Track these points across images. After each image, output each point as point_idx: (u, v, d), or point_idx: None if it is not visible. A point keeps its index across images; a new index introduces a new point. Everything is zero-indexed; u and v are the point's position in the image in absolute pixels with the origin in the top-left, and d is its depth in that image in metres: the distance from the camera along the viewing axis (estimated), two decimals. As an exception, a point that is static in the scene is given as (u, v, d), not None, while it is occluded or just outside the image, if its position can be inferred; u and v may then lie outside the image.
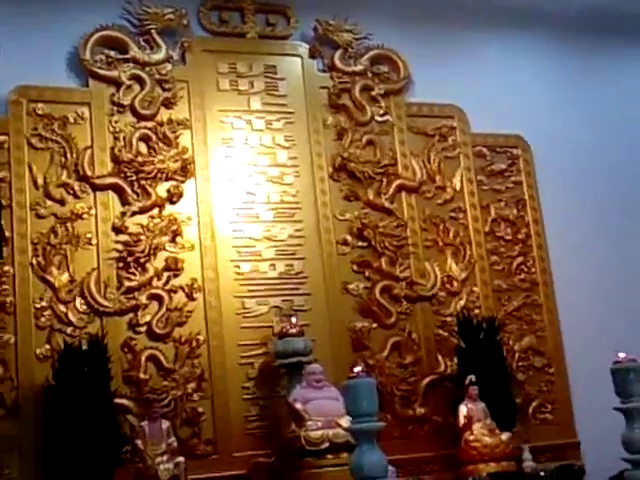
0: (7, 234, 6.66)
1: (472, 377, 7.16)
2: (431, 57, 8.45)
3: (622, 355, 5.89)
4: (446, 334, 7.81)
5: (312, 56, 8.16)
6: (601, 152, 8.96)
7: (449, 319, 7.85)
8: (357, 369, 5.34)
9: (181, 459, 6.39)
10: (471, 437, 7.01)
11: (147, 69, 7.54)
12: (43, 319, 6.79)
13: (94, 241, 7.07)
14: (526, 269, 8.34)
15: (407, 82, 8.39)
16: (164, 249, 7.19)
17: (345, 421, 5.82)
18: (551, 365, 8.14)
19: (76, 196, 7.11)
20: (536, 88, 8.90)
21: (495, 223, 8.35)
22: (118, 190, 7.21)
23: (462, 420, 7.08)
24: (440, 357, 7.75)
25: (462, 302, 7.96)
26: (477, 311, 7.92)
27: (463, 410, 7.11)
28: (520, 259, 8.35)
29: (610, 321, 8.28)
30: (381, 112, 8.22)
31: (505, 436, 7.03)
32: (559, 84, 9.05)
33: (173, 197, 7.32)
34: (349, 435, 5.87)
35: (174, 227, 7.24)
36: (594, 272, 8.52)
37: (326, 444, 6.40)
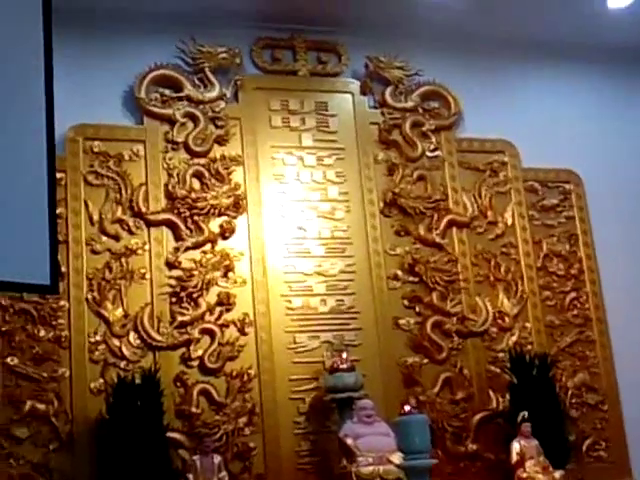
0: (63, 269, 6.81)
1: (525, 414, 7.10)
2: (481, 92, 8.47)
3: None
4: (498, 370, 7.75)
5: (363, 93, 8.22)
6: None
7: (501, 355, 7.80)
8: (408, 406, 5.35)
9: (232, 493, 6.43)
10: (524, 475, 6.93)
11: (201, 107, 7.67)
12: (97, 353, 6.89)
13: (148, 276, 7.17)
14: (579, 305, 8.27)
15: (458, 117, 8.42)
16: (216, 284, 7.26)
17: (397, 457, 5.82)
18: (605, 402, 8.04)
19: (130, 232, 7.24)
20: (587, 121, 8.86)
21: (547, 258, 8.30)
22: (171, 226, 7.32)
23: (515, 457, 7.01)
24: (492, 393, 7.69)
25: (514, 338, 7.91)
26: (529, 347, 7.85)
27: (516, 447, 7.04)
28: (573, 295, 8.28)
29: (665, 358, 8.17)
30: (432, 147, 8.25)
31: (559, 474, 6.95)
32: (610, 117, 9.00)
33: (225, 232, 7.40)
34: (400, 471, 5.86)
35: (226, 262, 7.31)
36: (649, 307, 8.42)
37: (377, 480, 6.39)
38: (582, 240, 8.46)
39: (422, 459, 5.07)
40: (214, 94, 7.75)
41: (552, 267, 8.29)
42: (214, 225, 7.40)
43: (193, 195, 7.40)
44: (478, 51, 8.52)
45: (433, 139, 8.28)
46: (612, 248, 8.45)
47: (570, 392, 7.94)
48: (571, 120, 8.78)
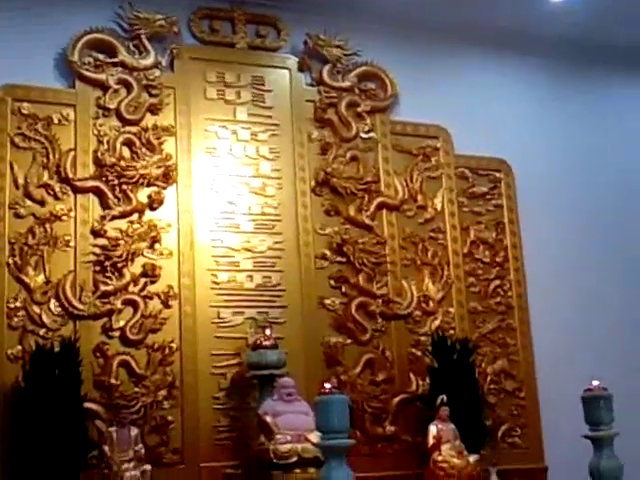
0: (-16, 232, 6.67)
1: (443, 397, 7.17)
2: (419, 77, 8.49)
3: (594, 383, 5.95)
4: (420, 353, 7.82)
5: (300, 69, 8.17)
6: (584, 179, 9.03)
7: (423, 338, 7.87)
8: (328, 385, 5.35)
9: (148, 467, 6.38)
10: (439, 458, 7.00)
11: (135, 74, 7.53)
12: (16, 319, 6.75)
13: (72, 243, 7.04)
14: (502, 292, 8.37)
15: (394, 100, 8.42)
16: (142, 255, 7.17)
17: (315, 436, 5.81)
18: (522, 389, 8.16)
19: (56, 197, 7.09)
20: (521, 113, 8.95)
21: (474, 245, 8.38)
22: (99, 193, 7.19)
23: (431, 440, 7.07)
24: (413, 376, 7.76)
25: (437, 322, 7.99)
26: (452, 332, 7.93)
27: (433, 430, 7.10)
28: (497, 282, 8.38)
29: (583, 348, 8.34)
30: (366, 129, 8.24)
31: (473, 458, 7.02)
32: (544, 109, 9.11)
33: (154, 203, 7.31)
34: (318, 450, 5.87)
35: (153, 233, 7.22)
36: (570, 298, 8.56)
37: (294, 458, 6.39)
38: (509, 229, 8.55)
39: (340, 439, 5.07)
40: (149, 62, 7.61)
41: (478, 254, 8.38)
42: (142, 195, 7.29)
43: (122, 163, 7.27)
44: (418, 36, 8.53)
45: (368, 120, 8.27)
46: (538, 238, 8.57)
47: (489, 378, 8.05)
48: (505, 110, 8.86)
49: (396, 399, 7.66)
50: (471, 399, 7.42)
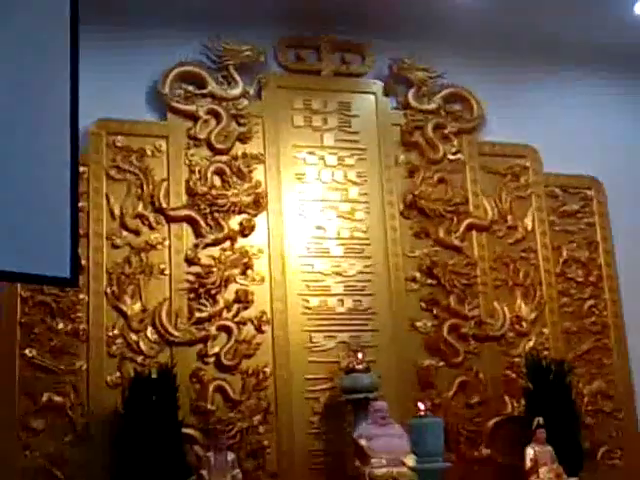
0: (83, 263, 6.87)
1: (540, 420, 7.08)
2: (504, 96, 8.44)
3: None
4: (514, 375, 7.74)
5: (386, 94, 8.22)
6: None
7: (517, 360, 7.79)
8: (423, 407, 5.34)
9: (245, 491, 6.46)
10: (537, 481, 6.93)
11: (224, 104, 7.69)
12: (115, 347, 6.93)
13: (167, 271, 7.20)
14: (597, 312, 8.24)
15: (480, 121, 8.40)
16: (235, 281, 7.29)
17: (410, 459, 5.79)
18: (621, 410, 8.01)
19: (151, 227, 7.27)
20: (610, 129, 8.82)
21: (566, 264, 8.28)
22: (192, 222, 7.34)
23: (528, 463, 7.00)
24: (507, 398, 7.68)
25: (531, 343, 7.90)
26: (546, 353, 7.83)
27: (530, 453, 7.02)
28: (591, 301, 8.26)
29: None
30: (453, 150, 8.23)
31: (572, 481, 6.93)
32: (635, 125, 8.96)
33: (245, 230, 7.42)
34: (414, 474, 5.84)
35: (245, 260, 7.33)
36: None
37: (390, 481, 6.40)
38: (602, 247, 8.43)
39: (435, 462, 5.06)
40: (237, 92, 7.76)
41: (571, 273, 8.27)
42: (234, 222, 7.42)
43: (214, 192, 7.42)
44: (502, 55, 8.47)
45: (455, 142, 8.26)
46: (632, 256, 8.42)
47: (586, 399, 7.92)
48: (594, 126, 8.73)
49: (491, 421, 7.60)
50: (568, 421, 7.31)
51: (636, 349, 8.16)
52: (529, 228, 8.23)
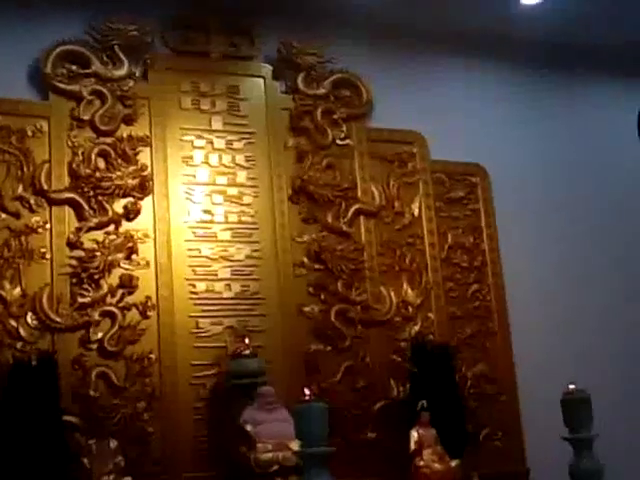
0: (-41, 245, 6.62)
1: (424, 403, 7.16)
2: (394, 83, 8.48)
3: (572, 386, 5.97)
4: (400, 359, 7.81)
5: (275, 78, 8.17)
6: (561, 184, 9.04)
7: (403, 344, 7.86)
8: (308, 392, 5.34)
9: (128, 479, 6.35)
10: (421, 463, 7.00)
11: (109, 85, 7.49)
12: (-7, 333, 6.72)
13: (48, 256, 6.99)
14: (481, 297, 8.39)
15: (369, 107, 8.42)
16: (119, 266, 7.13)
17: (295, 444, 5.79)
18: (503, 393, 8.16)
19: (31, 210, 7.04)
20: (497, 117, 8.98)
21: (452, 250, 8.39)
22: (74, 205, 7.15)
23: (413, 446, 7.07)
24: (393, 382, 7.75)
25: (417, 327, 7.98)
26: (431, 337, 7.93)
27: (414, 436, 7.10)
28: (475, 286, 8.39)
29: (563, 351, 8.34)
30: (342, 136, 8.24)
31: (454, 463, 7.03)
32: (521, 115, 9.12)
33: (130, 214, 7.27)
34: (299, 458, 5.85)
35: (130, 244, 7.18)
36: (549, 301, 8.58)
37: (276, 467, 6.39)
38: (486, 233, 8.57)
39: (320, 446, 5.07)
40: (123, 72, 7.57)
41: (456, 259, 8.39)
42: (118, 206, 7.26)
43: (98, 174, 7.24)
44: (393, 42, 8.52)
45: (344, 127, 8.26)
46: (515, 242, 8.59)
47: (469, 382, 8.04)
48: (480, 114, 8.86)
49: (377, 405, 7.66)
50: (452, 404, 7.42)
51: (519, 333, 8.33)
52: (416, 214, 8.31)
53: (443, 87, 8.81)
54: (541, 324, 8.44)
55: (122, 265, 7.15)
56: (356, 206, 8.07)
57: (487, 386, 8.14)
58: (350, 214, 8.02)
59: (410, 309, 8.02)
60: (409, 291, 8.08)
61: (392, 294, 7.99)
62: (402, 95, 8.49)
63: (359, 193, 8.14)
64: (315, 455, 5.07)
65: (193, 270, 7.42)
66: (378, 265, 8.02)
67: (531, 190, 8.85)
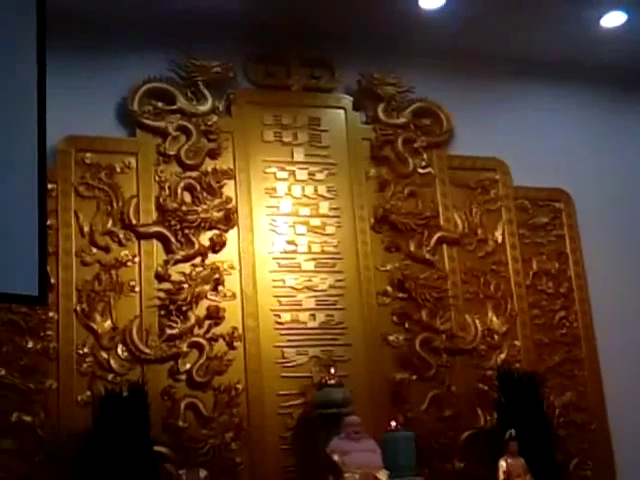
0: (52, 281, 6.82)
1: (512, 432, 7.08)
2: (474, 110, 8.50)
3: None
4: (486, 388, 7.75)
5: (355, 108, 8.25)
6: (645, 207, 8.92)
7: (489, 373, 7.80)
8: (394, 422, 5.35)
9: (218, 508, 6.42)
10: (510, 493, 6.94)
11: (193, 120, 7.68)
12: (85, 365, 6.87)
13: (137, 289, 7.16)
14: (568, 323, 8.28)
15: (449, 135, 8.45)
16: (206, 297, 7.26)
17: (383, 474, 5.80)
18: (592, 422, 8.03)
19: (121, 244, 7.23)
20: (579, 142, 8.91)
21: (537, 276, 8.32)
22: (162, 239, 7.31)
23: (501, 475, 7.00)
24: (480, 411, 7.70)
25: (503, 356, 7.92)
26: (518, 365, 7.85)
27: (502, 465, 7.03)
28: (562, 313, 8.30)
29: (654, 379, 8.19)
30: (423, 164, 8.27)
31: (545, 493, 6.95)
32: (602, 137, 9.04)
33: (216, 246, 7.40)
34: (387, 488, 5.85)
35: (216, 276, 7.30)
36: (637, 327, 8.42)
37: (363, 496, 6.38)
38: (572, 259, 8.48)
39: (408, 476, 5.07)
40: (207, 107, 7.75)
41: (541, 285, 8.32)
42: (204, 238, 7.40)
43: (184, 208, 7.40)
44: (471, 69, 8.54)
45: (424, 156, 8.30)
46: (601, 267, 8.47)
47: (558, 411, 7.94)
48: (562, 139, 8.81)
49: (464, 435, 7.59)
50: (540, 433, 7.32)
51: (607, 360, 8.20)
52: (499, 241, 8.27)
53: (523, 113, 8.78)
54: (630, 350, 8.28)
55: (209, 297, 7.27)
56: (439, 234, 8.07)
57: (576, 415, 8.02)
58: (433, 242, 8.02)
59: (496, 337, 7.96)
60: (494, 319, 8.03)
61: (477, 322, 7.95)
62: (482, 122, 8.51)
63: (441, 221, 8.14)
64: (404, 485, 5.06)
65: (278, 300, 7.50)
66: (462, 293, 7.99)
67: (616, 214, 8.73)
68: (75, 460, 6.53)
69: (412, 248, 7.94)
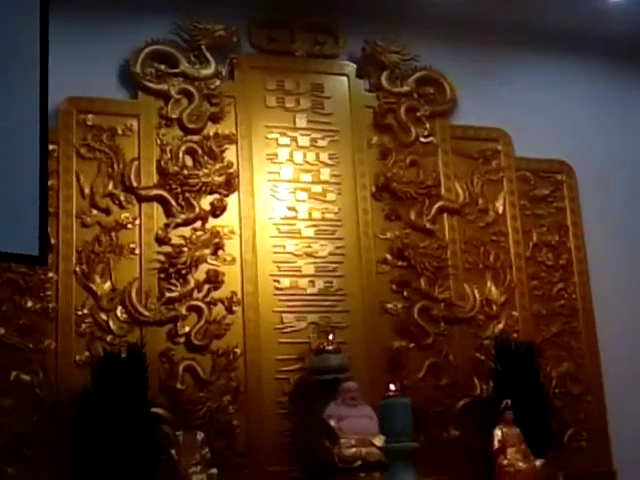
0: (52, 241, 6.82)
1: (508, 401, 7.13)
2: (478, 80, 8.46)
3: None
4: (483, 357, 7.78)
5: (359, 76, 8.21)
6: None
7: (486, 342, 7.82)
8: (393, 388, 5.37)
9: (214, 470, 6.47)
10: (505, 462, 6.98)
11: (196, 84, 7.65)
12: (84, 326, 6.89)
13: (137, 251, 7.17)
14: (566, 295, 8.29)
15: (453, 104, 8.41)
16: (205, 261, 7.27)
17: (379, 440, 5.83)
18: (588, 393, 8.07)
19: (121, 206, 7.23)
20: (582, 113, 8.88)
21: (536, 248, 8.32)
22: (163, 202, 7.31)
23: (496, 444, 7.05)
24: (476, 380, 7.72)
25: (500, 326, 7.94)
26: (515, 335, 7.87)
27: (498, 434, 7.08)
28: (560, 285, 8.31)
29: (650, 351, 8.21)
30: (426, 133, 8.24)
31: (539, 462, 6.99)
32: (606, 110, 9.00)
33: (216, 210, 7.40)
34: (382, 454, 5.88)
35: (216, 240, 7.31)
36: (635, 300, 8.43)
37: (359, 462, 6.44)
38: (572, 231, 8.48)
39: (404, 442, 5.09)
40: (210, 71, 7.72)
41: (541, 257, 8.32)
42: (205, 202, 7.40)
43: (185, 172, 7.39)
44: (476, 39, 8.48)
45: (427, 125, 8.27)
46: (601, 240, 8.48)
47: (554, 382, 7.97)
48: (566, 111, 8.79)
49: (460, 403, 7.64)
50: (536, 403, 7.36)
51: (604, 332, 8.22)
52: (500, 211, 8.26)
53: (527, 84, 8.74)
54: (628, 322, 8.31)
55: (209, 261, 7.28)
56: (439, 203, 8.06)
57: (572, 386, 8.05)
58: (433, 211, 8.02)
59: (494, 307, 7.98)
60: (493, 289, 8.04)
61: (476, 292, 7.96)
62: (486, 92, 8.48)
63: (442, 190, 8.13)
64: (399, 450, 5.10)
65: (277, 266, 7.51)
66: (462, 262, 8.00)
67: (617, 186, 8.72)
68: (73, 420, 6.56)
69: (412, 217, 7.94)
